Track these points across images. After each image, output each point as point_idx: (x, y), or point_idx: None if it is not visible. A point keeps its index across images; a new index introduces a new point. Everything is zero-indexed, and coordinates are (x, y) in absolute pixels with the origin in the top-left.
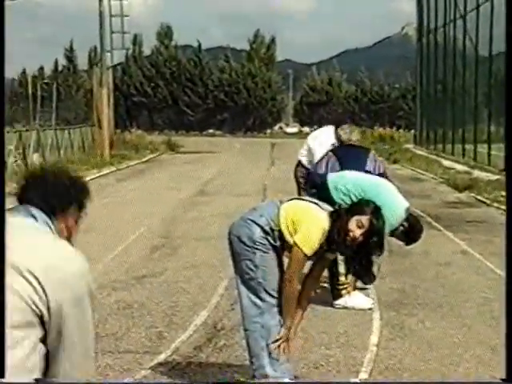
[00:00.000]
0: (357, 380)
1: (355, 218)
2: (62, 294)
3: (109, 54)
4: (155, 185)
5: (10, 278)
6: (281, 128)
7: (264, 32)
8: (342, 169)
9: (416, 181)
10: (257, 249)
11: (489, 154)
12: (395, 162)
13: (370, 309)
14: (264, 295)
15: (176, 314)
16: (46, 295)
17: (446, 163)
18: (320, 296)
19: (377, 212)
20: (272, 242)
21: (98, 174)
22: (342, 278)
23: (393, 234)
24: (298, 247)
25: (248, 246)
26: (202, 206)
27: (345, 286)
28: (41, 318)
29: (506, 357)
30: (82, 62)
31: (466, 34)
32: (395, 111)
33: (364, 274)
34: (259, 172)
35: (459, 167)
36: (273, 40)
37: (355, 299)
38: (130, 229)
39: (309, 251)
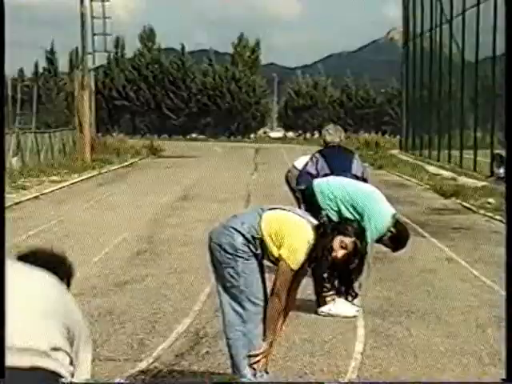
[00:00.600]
0: (356, 380)
1: (339, 237)
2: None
3: (90, 56)
4: (137, 189)
5: None
6: (265, 133)
7: (248, 35)
8: (330, 170)
9: (401, 187)
10: (239, 256)
11: (475, 161)
12: (380, 167)
13: (354, 316)
14: (246, 304)
15: (158, 321)
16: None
17: (432, 169)
18: (304, 303)
19: (361, 234)
20: (253, 250)
21: (79, 179)
22: (327, 285)
23: (380, 240)
24: (284, 261)
25: (230, 254)
26: (185, 211)
27: (330, 294)
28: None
29: (505, 357)
30: (63, 65)
31: (452, 39)
32: (381, 116)
33: (344, 290)
34: (242, 177)
35: (445, 173)
36: (257, 43)
37: (340, 306)
38: (112, 234)
39: (295, 265)
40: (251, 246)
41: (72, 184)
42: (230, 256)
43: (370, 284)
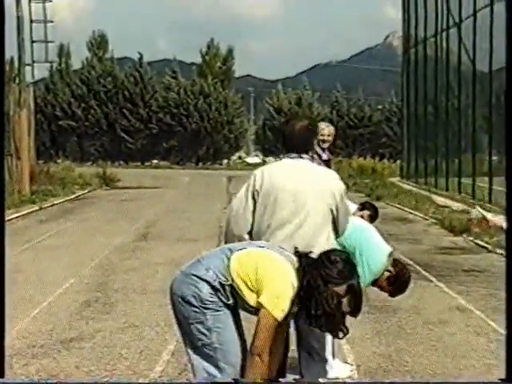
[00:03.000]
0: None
1: (332, 288)
2: None
3: (29, 67)
4: (87, 227)
5: None
6: (240, 158)
7: (219, 42)
8: None
9: (403, 221)
10: (206, 308)
11: (490, 190)
12: (378, 198)
13: (348, 377)
14: (222, 364)
15: None
16: None
17: (439, 200)
18: (287, 361)
19: (353, 271)
20: (224, 299)
21: (16, 215)
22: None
23: (375, 283)
24: (266, 310)
25: (195, 307)
26: (144, 252)
27: None
28: None
29: (506, 357)
30: None
31: (461, 45)
32: (377, 138)
33: (334, 327)
34: (213, 212)
35: (455, 205)
36: (230, 51)
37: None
38: (56, 281)
39: (280, 314)
40: (220, 296)
41: (8, 221)
42: (196, 309)
43: (366, 338)
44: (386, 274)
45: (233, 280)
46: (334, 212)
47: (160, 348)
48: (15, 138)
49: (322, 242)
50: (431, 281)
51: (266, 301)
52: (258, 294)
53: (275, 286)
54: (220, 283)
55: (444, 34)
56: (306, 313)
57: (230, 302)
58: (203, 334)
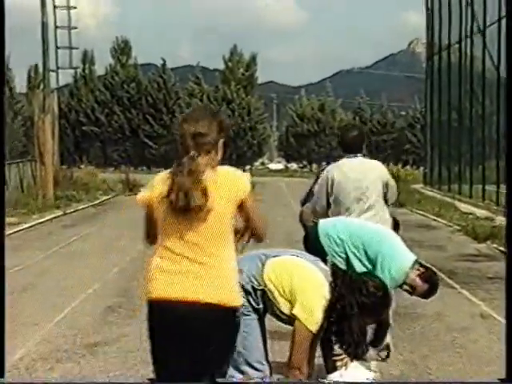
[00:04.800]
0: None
1: (365, 319)
2: None
3: (53, 73)
4: (110, 233)
5: None
6: (263, 164)
7: (243, 48)
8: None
9: (427, 228)
10: None
11: None
12: (401, 205)
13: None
14: (246, 368)
15: None
16: None
17: (463, 207)
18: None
19: (387, 306)
20: (254, 304)
21: (39, 220)
22: (337, 347)
23: (403, 285)
24: (302, 324)
25: None
26: None
27: (340, 357)
28: None
29: (506, 357)
30: (21, 84)
31: (485, 51)
32: (401, 144)
33: (358, 351)
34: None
35: (479, 212)
36: (253, 58)
37: (353, 372)
38: (80, 286)
39: (314, 328)
40: (251, 299)
41: (31, 227)
42: None
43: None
44: (416, 272)
45: (265, 285)
46: (385, 188)
47: None
48: (39, 143)
49: (374, 213)
50: (455, 288)
51: (300, 314)
52: (290, 303)
53: (309, 299)
54: (252, 287)
55: (468, 40)
56: (336, 334)
57: (260, 306)
58: None
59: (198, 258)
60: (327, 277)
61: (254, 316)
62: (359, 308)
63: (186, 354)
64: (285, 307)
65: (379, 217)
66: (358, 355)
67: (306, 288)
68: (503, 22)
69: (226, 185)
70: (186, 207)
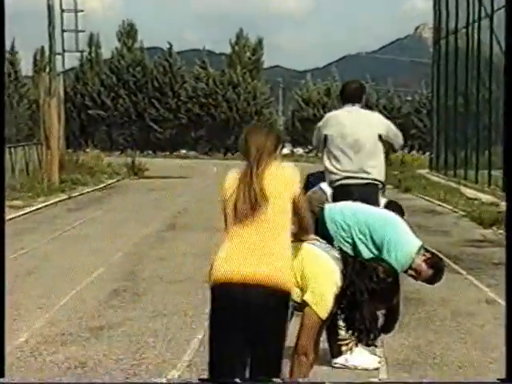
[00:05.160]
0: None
1: (376, 305)
2: None
3: (59, 56)
4: (115, 216)
5: None
6: None
7: (249, 32)
8: None
9: (432, 214)
10: None
11: None
12: (407, 190)
13: (375, 369)
14: None
15: (139, 374)
16: None
17: (469, 193)
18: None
19: (397, 292)
20: None
21: (45, 203)
22: (342, 332)
23: (408, 270)
24: (311, 309)
25: None
26: (172, 242)
27: (346, 342)
28: None
29: (506, 357)
30: (26, 67)
31: (492, 36)
32: (407, 129)
33: (368, 338)
34: None
35: (484, 197)
36: (259, 42)
37: (358, 357)
38: (85, 269)
39: (324, 314)
40: None
41: (37, 210)
42: None
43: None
44: (422, 257)
45: None
46: (385, 134)
47: (188, 337)
48: (45, 126)
49: (372, 164)
50: (461, 273)
51: (311, 300)
52: (302, 289)
53: (320, 285)
54: None
55: (476, 25)
56: (346, 321)
57: None
58: None
59: (261, 245)
60: (339, 264)
61: None
62: (369, 294)
63: (247, 335)
64: (295, 294)
65: (377, 171)
66: (370, 342)
67: (317, 274)
68: None
69: (283, 182)
70: (251, 207)
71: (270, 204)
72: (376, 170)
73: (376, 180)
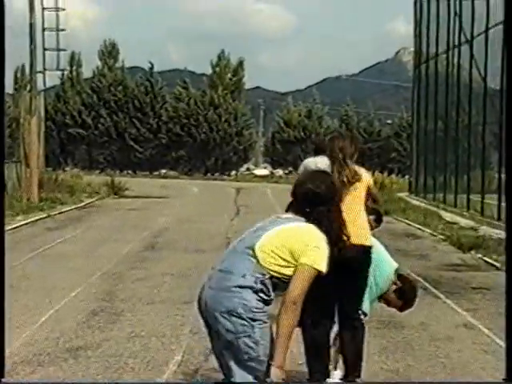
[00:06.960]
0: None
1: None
2: None
3: (40, 74)
4: (95, 236)
5: None
6: (248, 169)
7: (230, 53)
8: None
9: (411, 237)
10: (254, 320)
11: (499, 207)
12: (386, 213)
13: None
14: (263, 375)
15: None
16: None
17: (448, 217)
18: (294, 374)
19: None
20: (266, 297)
21: (23, 222)
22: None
23: (381, 297)
24: (306, 265)
25: (244, 320)
26: (151, 262)
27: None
28: None
29: (505, 357)
30: (7, 84)
31: (472, 62)
32: (387, 152)
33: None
34: (221, 223)
35: (463, 222)
36: (241, 63)
37: (334, 380)
38: (63, 290)
39: (322, 265)
40: (263, 295)
41: (15, 228)
42: (245, 322)
43: (373, 354)
44: (393, 287)
45: (270, 270)
46: None
47: (166, 359)
48: (25, 144)
49: None
50: (439, 297)
51: (306, 259)
52: (295, 261)
53: (314, 241)
54: (261, 282)
55: (456, 50)
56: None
57: (271, 297)
58: (250, 347)
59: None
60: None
61: (269, 322)
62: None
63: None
64: (288, 271)
65: None
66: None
67: (310, 239)
68: (490, 32)
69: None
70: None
71: (356, 188)
72: None
73: None
